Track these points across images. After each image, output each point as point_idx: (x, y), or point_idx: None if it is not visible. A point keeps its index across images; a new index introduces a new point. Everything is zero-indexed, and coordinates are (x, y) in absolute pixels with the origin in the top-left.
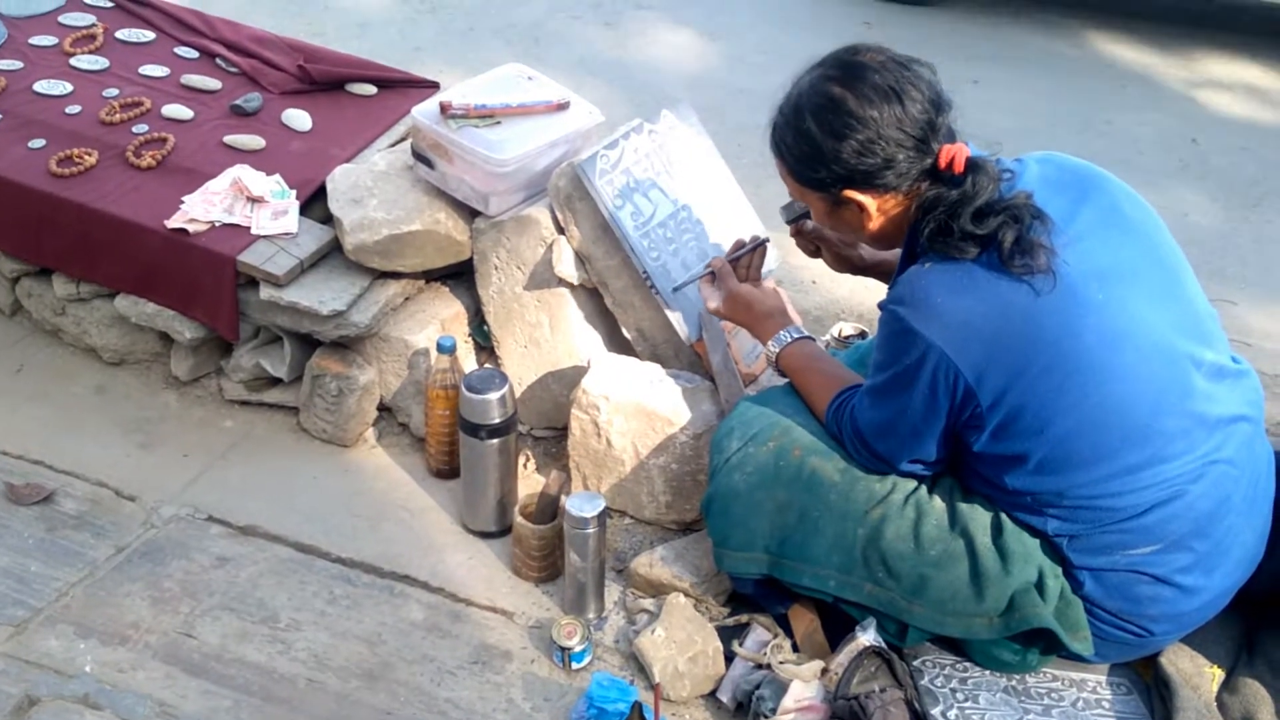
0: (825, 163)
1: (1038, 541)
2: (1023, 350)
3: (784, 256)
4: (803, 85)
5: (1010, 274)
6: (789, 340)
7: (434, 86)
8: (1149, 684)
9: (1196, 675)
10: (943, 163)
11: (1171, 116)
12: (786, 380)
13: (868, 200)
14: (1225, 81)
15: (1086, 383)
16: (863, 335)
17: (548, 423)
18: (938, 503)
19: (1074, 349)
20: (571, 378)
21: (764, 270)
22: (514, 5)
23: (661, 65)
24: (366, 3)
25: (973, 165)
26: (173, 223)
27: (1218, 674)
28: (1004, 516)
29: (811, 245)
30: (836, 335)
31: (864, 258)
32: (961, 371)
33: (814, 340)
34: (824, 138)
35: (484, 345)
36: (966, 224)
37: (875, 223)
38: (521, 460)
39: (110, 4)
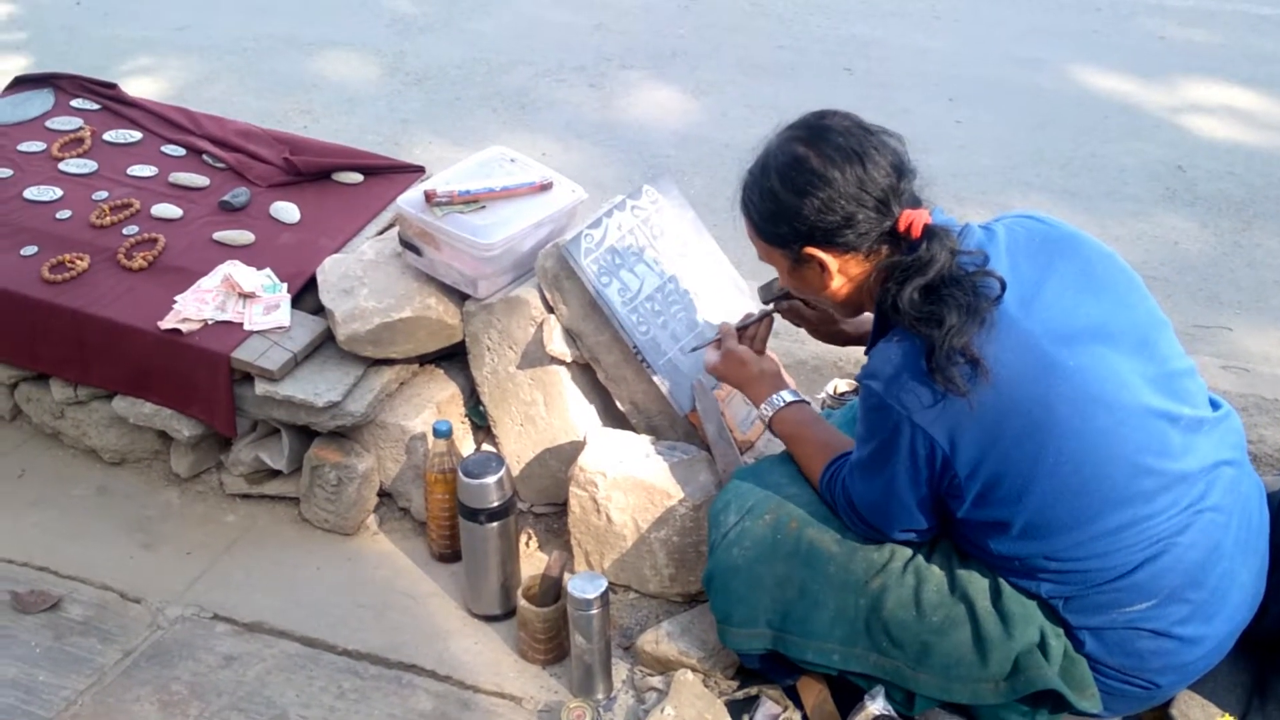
0: (787, 219)
1: (1036, 602)
2: (994, 420)
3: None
4: (771, 146)
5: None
6: (782, 404)
7: (419, 170)
8: None
9: None
10: (901, 226)
11: (1156, 144)
12: (783, 448)
13: (828, 259)
14: (1208, 106)
15: (1061, 450)
16: (858, 391)
17: (548, 499)
18: (936, 569)
19: (1046, 417)
20: (569, 453)
21: None
22: (498, 73)
23: (648, 124)
24: (353, 79)
25: (930, 232)
26: (166, 323)
27: None
28: (1001, 580)
29: (794, 317)
30: (832, 392)
31: (846, 331)
32: (936, 441)
33: (808, 403)
34: (786, 194)
35: (480, 425)
36: (915, 297)
37: (837, 283)
38: (523, 538)
39: (97, 106)
